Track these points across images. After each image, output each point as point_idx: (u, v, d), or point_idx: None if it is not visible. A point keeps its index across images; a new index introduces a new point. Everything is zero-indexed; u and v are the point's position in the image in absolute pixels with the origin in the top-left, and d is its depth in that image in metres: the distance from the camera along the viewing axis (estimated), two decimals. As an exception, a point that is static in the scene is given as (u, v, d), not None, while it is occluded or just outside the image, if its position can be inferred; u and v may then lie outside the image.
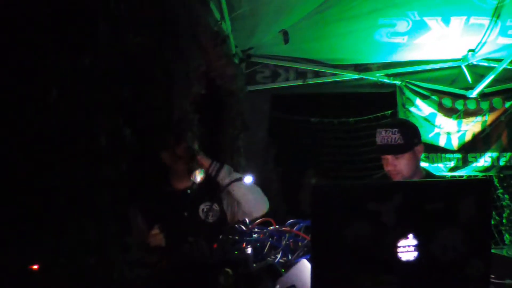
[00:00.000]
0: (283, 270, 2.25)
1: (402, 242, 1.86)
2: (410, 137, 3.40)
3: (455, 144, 6.26)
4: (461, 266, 1.96)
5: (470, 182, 2.51)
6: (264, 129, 5.91)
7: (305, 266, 2.20)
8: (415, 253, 1.88)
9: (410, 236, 1.87)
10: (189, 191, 3.55)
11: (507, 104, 6.30)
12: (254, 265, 2.30)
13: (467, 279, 1.97)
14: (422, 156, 5.98)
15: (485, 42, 5.63)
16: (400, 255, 1.86)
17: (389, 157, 3.41)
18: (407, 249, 1.87)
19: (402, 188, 2.01)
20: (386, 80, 6.18)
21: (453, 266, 1.94)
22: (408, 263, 1.87)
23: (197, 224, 3.37)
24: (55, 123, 1.86)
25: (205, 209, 3.45)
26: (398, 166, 3.40)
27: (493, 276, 2.57)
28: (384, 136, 3.38)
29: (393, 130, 3.36)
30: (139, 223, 3.34)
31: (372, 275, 1.86)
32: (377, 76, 6.13)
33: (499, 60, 5.84)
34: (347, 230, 1.82)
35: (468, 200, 1.95)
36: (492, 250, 2.49)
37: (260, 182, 5.07)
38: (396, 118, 6.07)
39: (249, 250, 2.44)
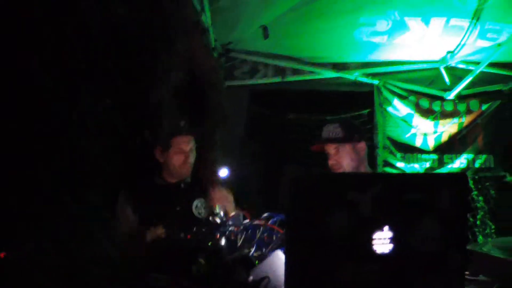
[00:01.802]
0: (257, 262, 2.24)
1: (377, 235, 1.85)
2: (350, 131, 3.66)
3: (431, 145, 6.28)
4: (438, 258, 1.95)
5: (447, 175, 2.51)
6: (242, 124, 5.89)
7: (278, 258, 2.19)
8: (390, 246, 1.87)
9: (386, 228, 1.86)
10: (182, 185, 3.57)
11: (484, 107, 6.35)
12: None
13: (444, 272, 1.96)
14: (398, 156, 6.10)
15: (464, 44, 5.65)
16: (375, 247, 1.85)
17: (331, 151, 3.67)
18: (382, 241, 1.86)
19: (381, 179, 2.00)
20: (364, 79, 6.19)
21: (429, 259, 1.94)
22: (382, 255, 1.86)
23: (188, 219, 3.37)
24: (37, 94, 1.82)
25: (198, 205, 3.44)
26: (338, 159, 3.64)
27: (467, 272, 2.59)
28: (326, 130, 3.69)
29: (335, 125, 3.67)
30: (127, 212, 3.32)
31: (346, 267, 1.84)
32: (356, 75, 6.13)
33: (477, 63, 5.88)
34: (324, 220, 1.80)
35: (445, 193, 1.95)
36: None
37: (237, 176, 5.09)
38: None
39: (222, 242, 2.43)
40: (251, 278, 2.07)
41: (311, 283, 1.81)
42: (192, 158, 3.64)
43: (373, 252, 1.85)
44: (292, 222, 1.82)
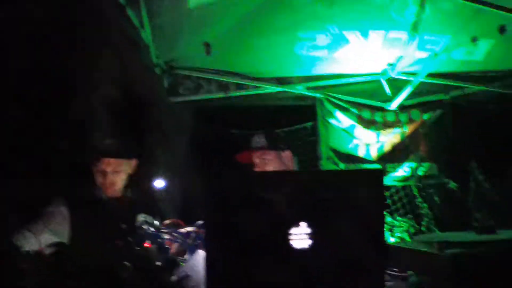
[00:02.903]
0: (182, 263, 2.29)
1: (294, 230, 1.90)
2: (274, 141, 3.89)
3: (374, 154, 6.40)
4: (356, 255, 2.01)
5: (361, 171, 2.59)
6: (187, 140, 5.90)
7: (201, 257, 2.24)
8: (309, 241, 1.92)
9: (303, 224, 1.91)
10: (126, 200, 3.54)
11: (425, 116, 6.52)
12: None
13: (363, 267, 2.02)
14: (342, 166, 6.24)
15: (403, 56, 5.78)
16: (292, 243, 1.90)
17: (256, 160, 3.86)
18: (300, 237, 1.91)
19: (294, 177, 2.07)
20: (307, 93, 6.28)
21: (348, 255, 2.00)
22: (301, 251, 1.91)
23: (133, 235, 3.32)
24: None
25: (142, 221, 3.38)
26: (263, 168, 3.81)
27: (396, 269, 2.67)
28: (252, 141, 3.92)
29: (260, 135, 3.90)
30: (63, 212, 3.26)
31: (265, 263, 1.89)
32: (299, 89, 6.22)
33: (418, 74, 6.00)
34: (239, 218, 1.85)
35: (360, 190, 2.02)
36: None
37: (182, 190, 5.12)
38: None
39: (153, 248, 2.48)
40: (174, 277, 2.13)
41: (230, 280, 1.86)
42: (115, 179, 3.51)
43: (291, 248, 1.90)
44: (209, 221, 1.87)
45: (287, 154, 3.83)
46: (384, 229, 2.24)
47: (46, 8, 2.32)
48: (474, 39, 5.20)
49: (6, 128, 1.98)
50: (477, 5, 4.48)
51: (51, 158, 2.65)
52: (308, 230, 1.92)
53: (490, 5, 4.32)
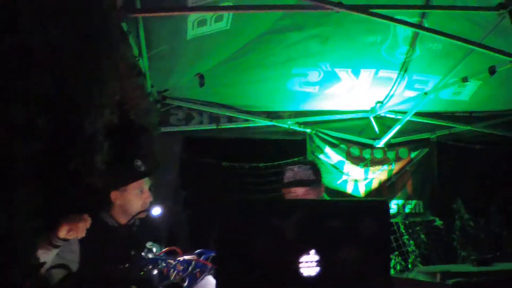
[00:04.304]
0: (187, 290, 2.29)
1: (304, 258, 1.91)
2: (319, 175, 3.60)
3: (362, 191, 6.45)
4: (362, 283, 2.02)
5: (368, 202, 2.61)
6: (175, 171, 5.86)
7: (209, 282, 2.23)
8: (317, 269, 1.92)
9: (312, 252, 1.92)
10: (134, 228, 3.47)
11: (413, 154, 6.61)
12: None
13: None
14: (331, 203, 6.14)
15: (392, 95, 5.88)
16: (302, 270, 1.90)
17: (299, 192, 3.52)
18: (309, 264, 1.91)
19: (303, 205, 2.08)
20: (297, 128, 6.32)
21: (353, 283, 2.00)
22: (309, 278, 1.92)
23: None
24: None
25: (149, 249, 3.30)
26: None
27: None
28: (297, 171, 3.53)
29: (306, 167, 3.55)
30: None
31: (274, 289, 1.89)
32: (289, 124, 6.25)
33: (405, 113, 6.06)
34: (250, 244, 1.86)
35: (367, 219, 2.03)
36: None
37: (168, 223, 5.09)
38: (305, 159, 6.22)
39: (154, 272, 2.47)
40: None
41: (240, 305, 1.85)
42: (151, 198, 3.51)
43: (300, 275, 1.91)
44: (220, 247, 1.87)
45: (323, 188, 3.66)
46: (391, 258, 2.26)
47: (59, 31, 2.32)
48: (464, 80, 5.26)
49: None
50: (467, 46, 4.55)
51: (63, 177, 2.63)
52: (316, 258, 1.92)
53: (480, 46, 4.39)
